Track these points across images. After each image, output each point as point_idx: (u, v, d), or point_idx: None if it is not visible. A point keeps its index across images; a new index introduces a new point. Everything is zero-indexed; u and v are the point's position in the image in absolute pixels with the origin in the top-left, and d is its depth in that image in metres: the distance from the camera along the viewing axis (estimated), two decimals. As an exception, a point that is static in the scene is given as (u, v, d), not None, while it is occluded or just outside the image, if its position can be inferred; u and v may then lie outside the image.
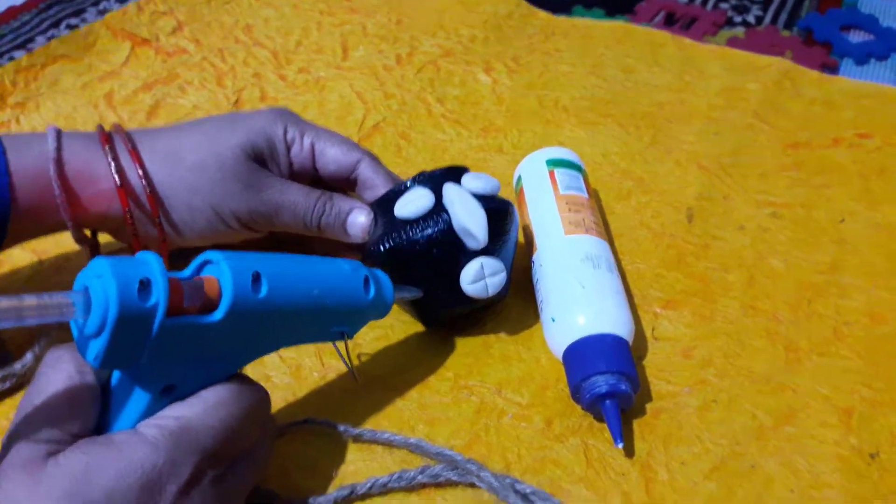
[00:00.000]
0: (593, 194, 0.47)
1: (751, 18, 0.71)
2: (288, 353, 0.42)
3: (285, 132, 0.42)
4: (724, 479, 0.37)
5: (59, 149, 0.38)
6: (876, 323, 0.44)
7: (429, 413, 0.39)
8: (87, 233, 0.42)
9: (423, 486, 0.36)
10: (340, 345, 0.36)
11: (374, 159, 0.44)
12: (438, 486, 0.36)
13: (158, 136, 0.41)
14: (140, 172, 0.39)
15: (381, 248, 0.39)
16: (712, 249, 0.48)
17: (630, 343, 0.39)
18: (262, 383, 0.40)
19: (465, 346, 0.42)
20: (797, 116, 0.58)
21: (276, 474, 0.36)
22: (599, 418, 0.39)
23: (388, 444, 0.37)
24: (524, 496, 0.35)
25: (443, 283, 0.39)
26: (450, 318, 0.42)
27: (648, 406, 0.40)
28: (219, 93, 0.59)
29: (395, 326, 0.43)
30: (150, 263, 0.27)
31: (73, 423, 0.28)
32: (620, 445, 0.36)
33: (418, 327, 0.43)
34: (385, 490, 0.36)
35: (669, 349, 0.42)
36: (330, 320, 0.34)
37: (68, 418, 0.28)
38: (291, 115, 0.43)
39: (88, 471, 0.26)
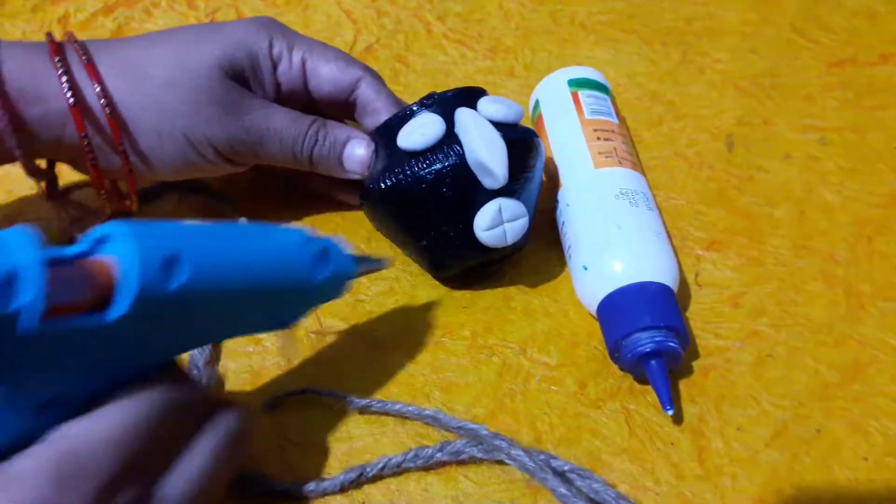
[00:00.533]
0: (622, 119, 0.41)
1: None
2: (279, 311, 0.36)
3: (270, 46, 0.36)
4: (787, 445, 0.32)
5: None
6: (947, 261, 0.38)
7: (445, 378, 0.34)
8: (42, 163, 0.35)
9: (443, 464, 0.31)
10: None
11: (377, 78, 0.37)
12: (461, 463, 0.31)
13: (120, 47, 0.34)
14: (97, 89, 0.32)
15: (381, 185, 0.33)
16: (756, 182, 0.42)
17: (675, 291, 0.34)
18: (252, 346, 0.35)
19: (483, 300, 0.37)
20: (839, 30, 0.51)
21: (271, 453, 0.31)
22: (641, 380, 0.34)
23: (401, 415, 0.32)
24: (562, 475, 0.30)
25: (454, 229, 0.33)
26: (462, 269, 0.37)
27: (696, 364, 0.35)
28: (190, 15, 0.52)
29: (401, 279, 0.38)
30: (19, 247, 0.19)
31: None
32: (670, 412, 0.31)
33: (428, 279, 0.38)
34: (399, 470, 0.31)
35: (715, 297, 0.37)
36: (269, 309, 0.27)
37: None
38: (278, 26, 0.37)
39: None
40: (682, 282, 0.37)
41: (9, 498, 0.20)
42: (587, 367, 0.34)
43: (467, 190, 0.32)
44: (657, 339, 0.31)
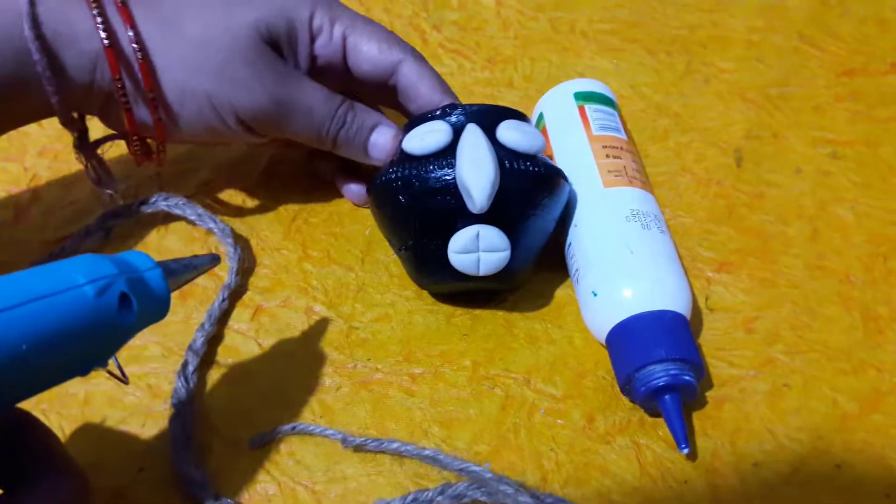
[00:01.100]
0: (630, 135, 0.39)
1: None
2: (270, 339, 0.35)
3: (311, 17, 0.34)
4: (806, 482, 0.30)
5: (32, 3, 0.30)
6: (967, 283, 0.37)
7: (444, 412, 0.32)
8: (75, 115, 0.34)
9: (444, 508, 0.29)
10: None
11: (420, 60, 0.36)
12: (463, 507, 0.29)
13: None
14: (130, 34, 0.31)
15: (380, 179, 0.33)
16: (767, 198, 0.40)
17: (689, 319, 0.32)
18: (239, 378, 0.33)
19: (484, 327, 0.35)
20: (848, 38, 0.50)
21: (257, 496, 0.30)
22: (653, 412, 0.32)
23: (398, 454, 0.30)
24: (571, 520, 0.28)
25: (433, 244, 0.32)
26: (449, 289, 0.35)
27: (709, 394, 0.33)
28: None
29: (396, 304, 0.36)
30: None
31: None
32: (686, 450, 0.29)
33: (425, 303, 0.36)
34: (396, 515, 0.29)
35: (728, 322, 0.35)
36: (70, 365, 0.23)
37: None
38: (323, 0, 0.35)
39: None
40: (694, 306, 0.35)
41: None
42: (595, 399, 0.33)
43: (452, 208, 0.31)
44: (672, 372, 0.29)
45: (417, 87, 0.35)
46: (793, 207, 0.40)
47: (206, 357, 0.34)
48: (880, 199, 0.40)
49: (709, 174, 0.41)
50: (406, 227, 0.33)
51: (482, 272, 0.32)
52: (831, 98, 0.46)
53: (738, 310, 0.36)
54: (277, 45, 0.33)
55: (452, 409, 0.32)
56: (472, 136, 0.31)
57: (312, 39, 0.34)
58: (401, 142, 0.34)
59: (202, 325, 0.34)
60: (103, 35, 0.31)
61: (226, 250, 0.37)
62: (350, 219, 0.39)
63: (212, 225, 0.37)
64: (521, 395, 0.33)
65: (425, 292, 0.36)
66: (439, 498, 0.28)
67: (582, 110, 0.37)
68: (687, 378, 0.29)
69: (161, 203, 0.38)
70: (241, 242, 0.38)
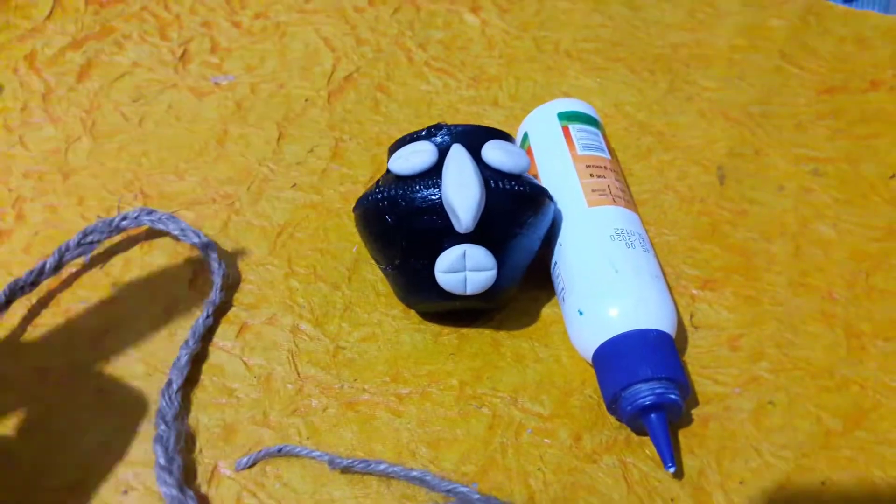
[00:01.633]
0: (614, 154, 0.40)
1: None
2: (256, 359, 0.34)
3: None
4: (791, 499, 0.31)
5: None
6: (947, 299, 0.37)
7: (432, 432, 0.32)
8: None
9: (431, 528, 0.29)
10: None
11: None
12: (449, 527, 0.29)
13: None
14: None
15: (365, 199, 0.33)
16: (750, 216, 0.41)
17: (674, 337, 0.32)
18: (225, 398, 0.33)
19: (471, 346, 0.35)
20: (829, 56, 0.50)
21: (246, 518, 0.29)
22: (639, 431, 0.32)
23: (386, 476, 0.30)
24: (558, 540, 0.28)
25: (419, 263, 0.32)
26: (435, 309, 0.35)
27: (695, 412, 0.33)
28: (162, 47, 0.50)
29: (383, 323, 0.36)
30: None
31: None
32: (672, 469, 0.29)
33: (412, 323, 0.36)
34: (384, 536, 0.29)
35: (712, 340, 0.35)
36: None
37: None
38: None
39: None
40: (678, 324, 0.36)
41: None
42: (582, 418, 0.33)
43: (438, 228, 0.31)
44: (658, 391, 0.29)
45: None
46: (775, 225, 0.40)
47: (191, 375, 0.33)
48: (861, 215, 0.41)
49: (692, 192, 0.42)
50: (393, 246, 0.33)
51: (469, 291, 0.32)
52: (812, 116, 0.46)
53: (722, 327, 0.36)
54: None
55: (440, 430, 0.32)
56: (458, 156, 0.31)
57: None
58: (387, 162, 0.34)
59: (186, 342, 0.34)
60: None
61: (210, 266, 0.37)
62: (337, 235, 0.39)
63: (196, 240, 0.37)
64: (508, 415, 0.33)
65: (412, 311, 0.36)
66: (426, 519, 0.28)
67: (566, 130, 0.38)
68: (672, 397, 0.30)
69: (144, 218, 0.38)
70: (225, 258, 0.38)
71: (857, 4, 0.59)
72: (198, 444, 0.31)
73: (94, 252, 0.38)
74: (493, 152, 0.32)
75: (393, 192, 0.32)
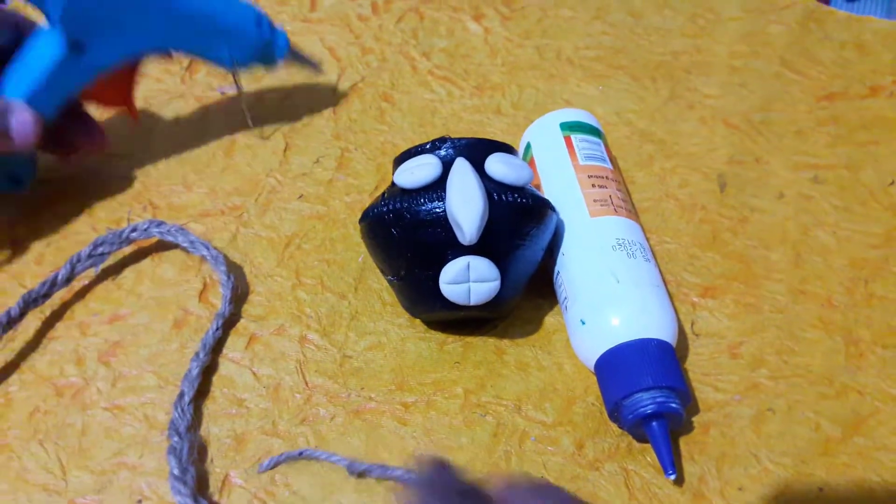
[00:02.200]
0: (615, 163, 0.40)
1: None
2: (265, 369, 0.35)
3: None
4: (790, 506, 0.31)
5: None
6: (945, 306, 0.38)
7: (437, 440, 0.33)
8: None
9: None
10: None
11: None
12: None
13: None
14: None
15: (372, 211, 0.34)
16: (750, 223, 0.41)
17: (675, 346, 0.33)
18: (235, 409, 0.34)
19: (475, 354, 0.36)
20: (828, 62, 0.51)
21: (257, 526, 0.30)
22: (641, 438, 0.32)
23: (401, 481, 0.31)
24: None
25: (423, 275, 0.33)
26: (441, 318, 0.36)
27: (695, 419, 0.34)
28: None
29: (389, 332, 0.36)
30: None
31: None
32: (672, 476, 0.30)
33: (417, 332, 0.36)
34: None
35: (713, 347, 0.36)
36: (220, 36, 0.40)
37: None
38: None
39: None
40: (679, 331, 0.36)
41: None
42: (584, 426, 0.33)
43: (442, 240, 0.32)
44: (659, 399, 0.30)
45: None
46: (776, 232, 0.41)
47: (202, 387, 0.34)
48: (861, 222, 0.41)
49: (693, 199, 0.42)
50: (398, 258, 0.33)
51: (473, 302, 0.33)
52: (812, 122, 0.47)
53: (722, 335, 0.37)
54: None
55: (445, 438, 0.33)
56: (461, 169, 0.32)
57: None
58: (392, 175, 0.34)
59: (197, 355, 0.34)
60: None
61: (219, 278, 0.37)
62: (343, 245, 0.40)
63: (205, 252, 0.38)
64: (512, 423, 0.33)
65: (417, 320, 0.37)
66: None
67: (568, 140, 0.38)
68: (673, 405, 0.30)
69: (154, 230, 0.38)
70: (234, 270, 0.38)
71: (859, 4, 0.59)
72: (209, 454, 0.32)
73: (106, 264, 0.38)
74: (496, 165, 0.33)
75: (398, 204, 0.32)
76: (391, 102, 0.47)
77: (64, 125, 0.39)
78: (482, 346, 0.36)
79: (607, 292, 0.33)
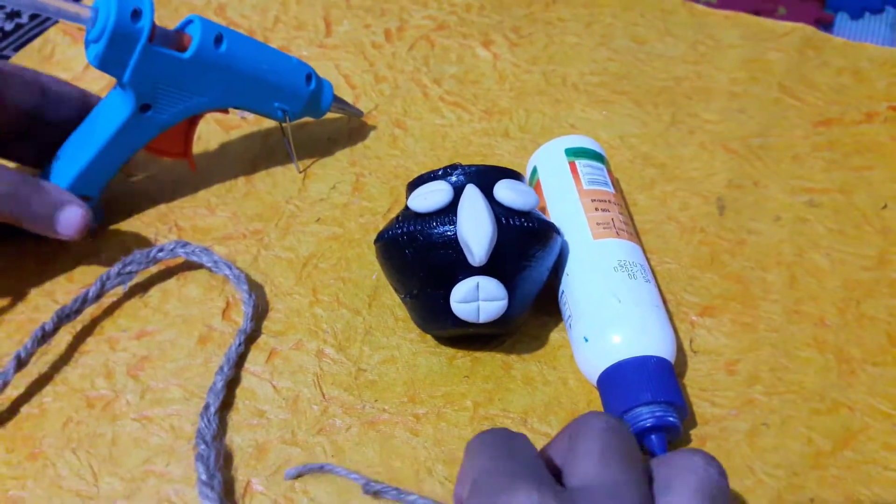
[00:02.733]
0: (618, 187, 0.42)
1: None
2: (284, 382, 0.37)
3: None
4: (782, 516, 0.33)
5: None
6: (934, 325, 0.39)
7: (447, 451, 0.35)
8: None
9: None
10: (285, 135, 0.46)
11: None
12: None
13: None
14: None
15: (387, 234, 0.36)
16: (748, 245, 0.43)
17: (673, 363, 0.34)
18: (256, 419, 0.36)
19: (484, 368, 0.38)
20: (826, 88, 0.53)
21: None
22: (642, 451, 0.34)
23: (411, 504, 0.32)
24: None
25: (436, 293, 0.35)
26: (454, 334, 0.38)
27: (693, 433, 0.35)
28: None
29: (402, 346, 0.38)
30: (145, 2, 0.37)
31: None
32: (669, 487, 0.32)
33: (429, 346, 0.38)
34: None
35: (710, 364, 0.38)
36: (273, 92, 0.43)
37: None
38: None
39: None
40: (679, 348, 0.38)
41: None
42: (587, 438, 0.35)
43: (453, 261, 0.34)
44: (657, 413, 0.32)
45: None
46: (772, 254, 0.43)
47: (225, 399, 0.36)
48: (854, 245, 0.43)
49: (693, 222, 0.44)
50: (411, 277, 0.35)
51: (482, 319, 0.35)
52: (809, 147, 0.49)
53: (720, 352, 0.38)
54: None
55: (455, 449, 0.35)
56: (472, 195, 0.34)
57: None
58: (406, 199, 0.36)
59: (221, 369, 0.36)
60: None
61: (241, 297, 0.39)
62: (358, 264, 0.42)
63: (227, 272, 0.40)
64: (518, 435, 0.35)
65: (428, 336, 0.39)
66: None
67: (573, 165, 0.40)
68: (671, 419, 0.32)
69: (179, 250, 0.40)
70: (255, 289, 0.40)
71: (863, 22, 0.61)
72: (234, 463, 0.34)
73: (134, 282, 0.40)
74: (504, 191, 0.35)
75: (412, 227, 0.34)
76: (403, 129, 0.50)
77: None
78: (490, 360, 0.38)
79: (609, 312, 0.35)
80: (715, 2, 0.62)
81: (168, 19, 0.58)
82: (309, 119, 0.47)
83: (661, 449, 0.32)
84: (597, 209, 0.38)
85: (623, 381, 0.33)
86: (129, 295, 0.41)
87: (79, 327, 0.39)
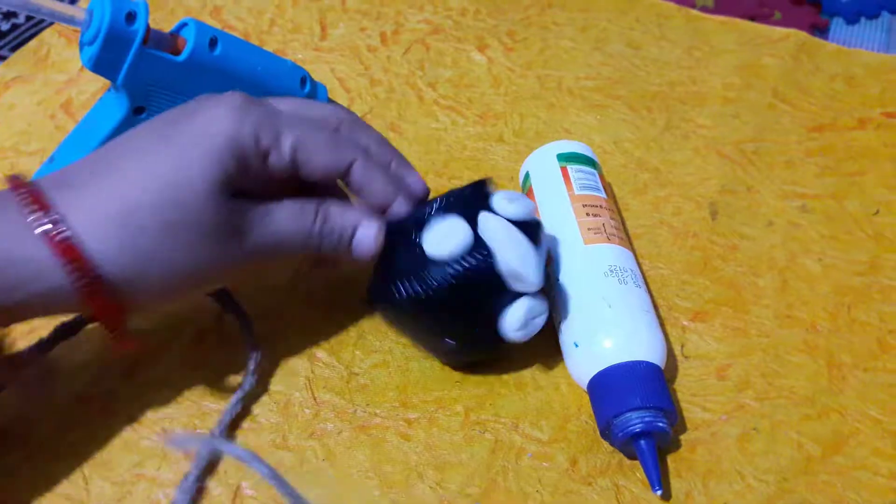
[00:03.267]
0: (610, 192, 0.42)
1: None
2: (276, 385, 0.37)
3: (258, 140, 0.31)
4: (772, 521, 0.33)
5: None
6: (924, 331, 0.40)
7: (438, 455, 0.35)
8: None
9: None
10: None
11: (370, 158, 0.34)
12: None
13: (86, 186, 0.29)
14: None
15: (405, 292, 0.32)
16: (740, 250, 0.43)
17: (663, 368, 0.35)
18: (248, 423, 0.36)
19: (475, 373, 0.38)
20: (819, 94, 0.53)
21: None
22: (631, 455, 0.34)
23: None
24: (554, 557, 0.31)
25: (479, 328, 0.34)
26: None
27: (683, 438, 0.35)
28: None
29: (394, 351, 0.38)
30: (140, 4, 0.37)
31: None
32: (659, 492, 0.32)
33: (420, 351, 0.38)
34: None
35: (702, 369, 0.38)
36: (268, 95, 0.38)
37: None
38: (258, 109, 0.31)
39: None
40: (670, 353, 0.38)
41: None
42: (578, 443, 0.35)
43: (494, 291, 0.33)
44: (647, 419, 0.32)
45: (370, 186, 0.34)
46: (764, 259, 0.43)
47: (217, 402, 0.36)
48: (846, 250, 0.43)
49: (685, 227, 0.44)
50: (449, 323, 0.34)
51: (531, 335, 0.34)
52: (802, 153, 0.49)
53: (711, 357, 0.38)
54: (233, 183, 0.31)
55: (446, 453, 0.35)
56: (498, 225, 0.32)
57: (264, 158, 0.32)
58: (389, 245, 0.34)
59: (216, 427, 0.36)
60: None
61: (237, 306, 0.39)
62: (350, 268, 0.42)
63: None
64: (509, 440, 0.35)
65: (421, 340, 0.39)
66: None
67: (564, 171, 0.40)
68: (660, 424, 0.32)
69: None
70: (248, 294, 0.40)
71: (859, 26, 0.61)
72: (224, 466, 0.34)
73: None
74: (510, 206, 0.33)
75: (443, 274, 0.32)
76: (398, 132, 0.50)
77: None
78: (482, 366, 0.38)
79: (600, 317, 0.35)
80: (711, 6, 0.62)
81: (163, 21, 0.58)
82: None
83: (650, 454, 0.32)
84: (588, 214, 0.38)
85: (613, 386, 0.33)
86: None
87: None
